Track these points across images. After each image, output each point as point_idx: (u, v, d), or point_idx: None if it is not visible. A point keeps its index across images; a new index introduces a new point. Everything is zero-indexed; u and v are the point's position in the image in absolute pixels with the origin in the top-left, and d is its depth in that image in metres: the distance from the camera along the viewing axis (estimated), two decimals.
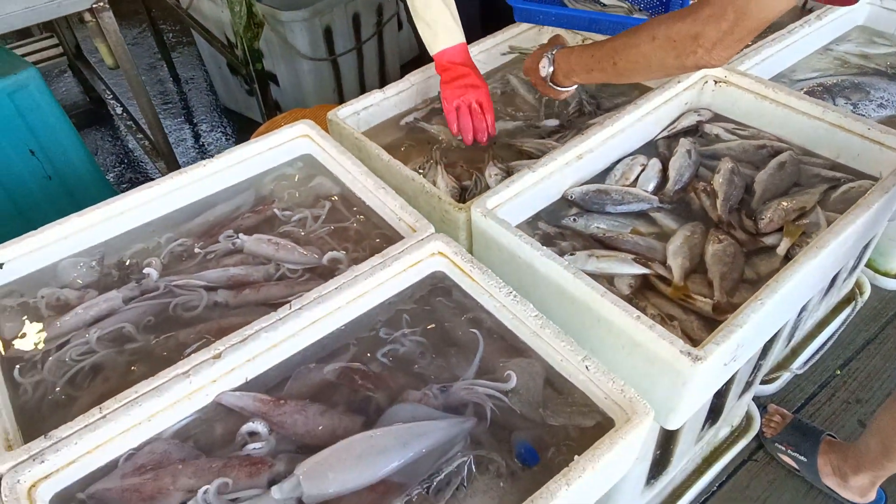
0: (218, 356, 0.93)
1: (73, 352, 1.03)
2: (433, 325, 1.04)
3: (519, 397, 0.92)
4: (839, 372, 2.00)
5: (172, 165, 2.39)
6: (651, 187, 1.27)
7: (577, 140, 1.25)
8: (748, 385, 1.56)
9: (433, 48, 1.42)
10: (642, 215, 1.23)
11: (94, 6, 1.86)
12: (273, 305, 1.07)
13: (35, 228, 1.16)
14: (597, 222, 1.20)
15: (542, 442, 0.88)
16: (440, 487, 0.83)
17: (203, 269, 1.15)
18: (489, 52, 1.64)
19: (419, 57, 1.79)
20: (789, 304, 1.05)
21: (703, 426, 1.47)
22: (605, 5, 1.62)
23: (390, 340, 1.02)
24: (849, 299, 2.18)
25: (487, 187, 1.29)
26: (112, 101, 2.89)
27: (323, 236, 1.21)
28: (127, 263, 1.18)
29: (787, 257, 1.12)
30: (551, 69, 1.27)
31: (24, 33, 3.15)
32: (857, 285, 2.19)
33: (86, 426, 0.86)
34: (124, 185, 2.91)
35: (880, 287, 2.26)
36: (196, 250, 1.19)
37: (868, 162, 1.28)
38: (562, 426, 0.89)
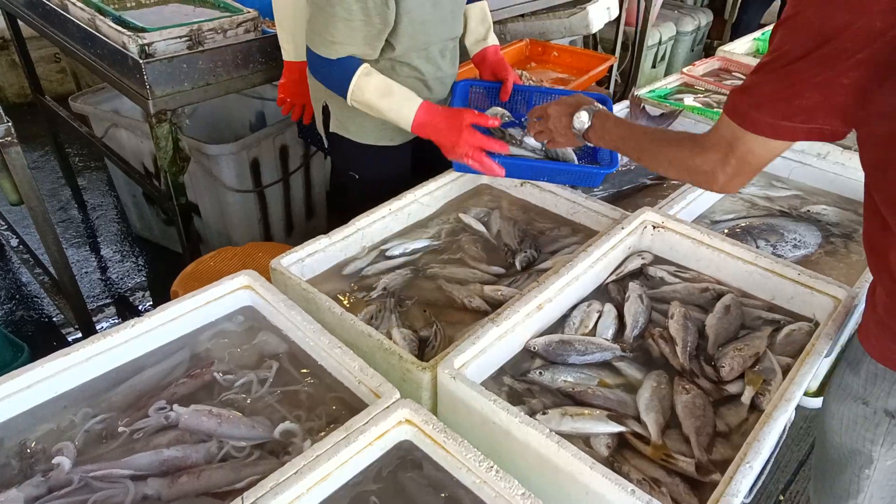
0: None
1: None
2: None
3: None
4: (782, 497, 2.01)
5: (77, 303, 2.17)
6: (610, 334, 1.26)
7: (535, 290, 1.23)
8: None
9: (406, 123, 1.48)
10: (606, 365, 1.21)
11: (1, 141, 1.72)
12: (217, 495, 0.94)
13: None
14: (563, 375, 1.16)
15: None
16: None
17: (129, 452, 0.99)
18: (432, 195, 1.64)
19: (342, 185, 1.80)
20: (765, 456, 1.04)
21: None
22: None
23: None
24: None
25: (447, 338, 1.23)
26: (6, 233, 2.64)
27: (272, 403, 1.09)
28: (31, 450, 1.00)
29: (752, 405, 1.12)
30: (589, 124, 1.33)
31: None
32: None
33: None
34: (13, 325, 2.61)
35: (803, 406, 2.35)
36: (120, 429, 1.03)
37: (801, 304, 1.34)
38: None
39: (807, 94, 0.85)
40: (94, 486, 0.94)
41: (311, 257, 1.40)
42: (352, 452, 0.95)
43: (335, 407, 1.08)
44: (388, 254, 1.50)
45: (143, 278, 2.88)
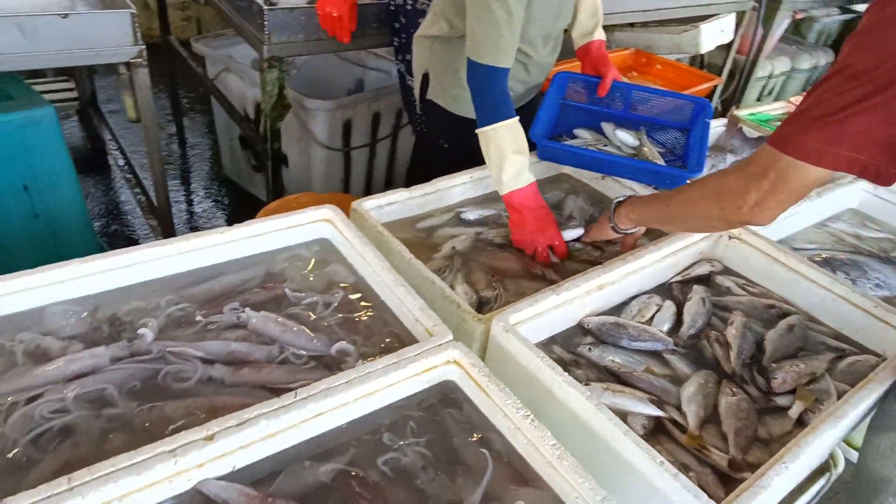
0: (210, 438, 0.85)
1: (45, 408, 0.94)
2: (439, 439, 0.98)
3: None
4: None
5: (166, 224, 2.34)
6: (666, 328, 1.27)
7: (599, 270, 1.25)
8: None
9: (505, 187, 1.42)
10: (656, 355, 1.22)
11: (131, 60, 1.88)
12: (272, 390, 1.01)
13: (12, 264, 1.08)
14: (611, 355, 1.18)
15: None
16: None
17: (202, 339, 1.09)
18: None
19: (426, 166, 1.83)
20: (807, 468, 1.03)
21: None
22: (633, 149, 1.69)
23: (393, 448, 0.96)
24: (822, 470, 2.15)
25: (507, 303, 1.27)
26: (116, 152, 2.87)
27: (332, 325, 1.16)
28: (121, 320, 1.11)
29: (799, 421, 1.11)
30: (621, 199, 1.35)
31: (39, 74, 3.17)
32: (832, 457, 2.17)
33: (49, 496, 0.76)
34: (107, 237, 2.83)
35: (851, 461, 2.25)
36: (197, 318, 1.13)
37: (871, 337, 1.31)
38: None
39: (860, 116, 0.82)
40: (169, 360, 1.04)
41: (390, 206, 1.47)
42: (399, 377, 1.01)
43: (389, 339, 1.14)
44: (462, 217, 1.55)
45: (224, 217, 3.05)
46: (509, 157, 1.41)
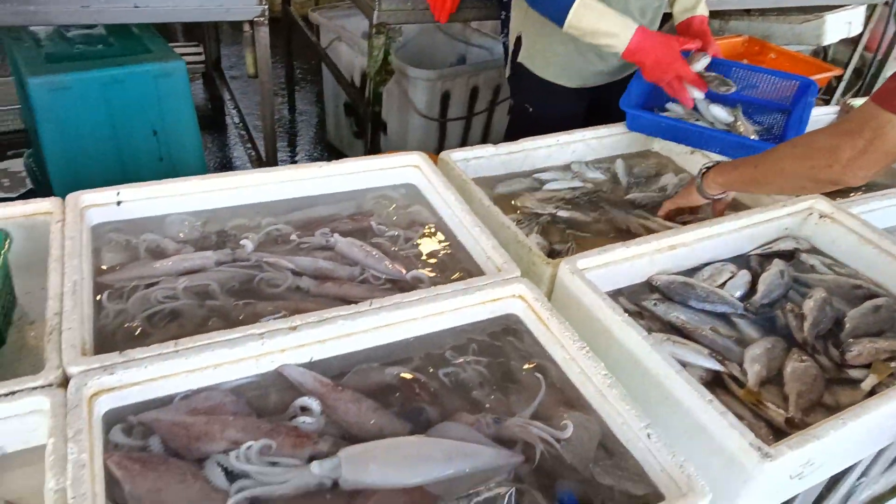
0: (294, 328, 0.96)
1: (159, 293, 1.09)
2: (497, 362, 1.05)
3: (571, 448, 0.90)
4: None
5: None
6: (738, 295, 1.26)
7: (673, 231, 1.27)
8: None
9: (618, 46, 1.52)
10: (723, 318, 1.22)
11: (254, 19, 2.06)
12: (350, 304, 1.11)
13: None
14: (677, 312, 1.19)
15: (584, 497, 0.86)
16: None
17: (293, 255, 1.21)
18: (601, 140, 1.71)
19: (511, 133, 1.89)
20: (868, 438, 1.00)
21: None
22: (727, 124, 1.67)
23: (454, 363, 1.03)
24: None
25: None
26: (234, 111, 3.12)
27: (410, 256, 1.25)
28: (226, 233, 1.25)
29: (871, 393, 1.08)
30: (706, 169, 1.35)
31: (173, 38, 3.50)
32: None
33: (158, 354, 0.89)
34: None
35: None
36: (292, 238, 1.25)
37: None
38: (609, 487, 0.86)
39: None
40: (264, 268, 1.16)
41: (476, 160, 1.54)
42: (466, 303, 1.08)
43: (461, 274, 1.22)
44: (542, 179, 1.59)
45: None
46: (601, 26, 1.49)
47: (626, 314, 1.05)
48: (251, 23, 2.08)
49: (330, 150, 3.45)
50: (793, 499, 1.19)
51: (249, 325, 0.96)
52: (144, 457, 0.83)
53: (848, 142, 0.95)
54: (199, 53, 3.49)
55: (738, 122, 1.64)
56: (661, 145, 1.81)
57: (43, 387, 0.84)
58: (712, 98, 1.74)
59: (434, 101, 2.69)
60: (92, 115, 2.29)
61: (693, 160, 1.73)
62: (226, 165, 3.24)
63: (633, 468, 0.88)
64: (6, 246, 1.05)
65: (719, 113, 1.64)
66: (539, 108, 1.82)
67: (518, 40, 1.79)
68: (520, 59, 1.80)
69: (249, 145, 2.87)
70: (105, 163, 2.41)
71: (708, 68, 1.77)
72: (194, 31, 3.77)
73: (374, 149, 2.54)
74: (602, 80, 1.79)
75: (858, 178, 0.98)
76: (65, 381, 0.85)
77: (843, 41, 3.42)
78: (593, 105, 1.84)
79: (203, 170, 2.64)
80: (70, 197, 1.17)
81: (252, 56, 2.15)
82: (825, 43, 3.19)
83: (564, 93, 1.77)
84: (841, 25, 3.18)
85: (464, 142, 2.96)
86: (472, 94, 2.82)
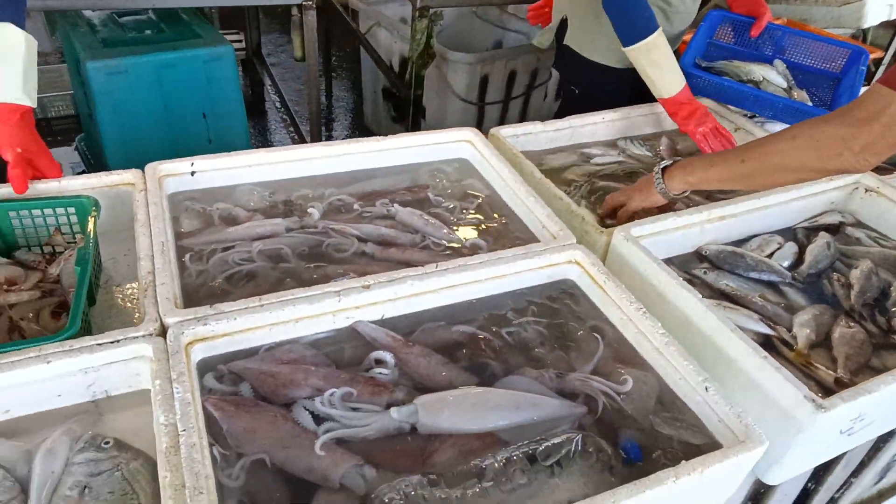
0: (367, 287, 1.02)
1: (236, 256, 1.16)
2: (556, 323, 1.10)
3: (630, 401, 0.95)
4: None
5: None
6: (785, 265, 1.29)
7: (723, 203, 1.30)
8: (832, 502, 1.48)
9: (666, 93, 1.56)
10: (772, 286, 1.25)
11: (303, 2, 2.12)
12: (413, 267, 1.17)
13: None
14: (727, 280, 1.23)
15: (645, 446, 0.91)
16: (546, 453, 0.87)
17: (357, 223, 1.27)
18: (646, 117, 1.74)
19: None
20: None
21: None
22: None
23: (515, 323, 1.08)
24: None
25: None
26: (275, 96, 3.19)
27: (467, 226, 1.31)
28: (292, 202, 1.32)
29: None
30: (669, 163, 1.27)
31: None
32: None
33: (245, 308, 0.96)
34: None
35: None
36: (354, 207, 1.31)
37: None
38: (668, 437, 0.91)
39: None
40: (331, 234, 1.23)
41: (525, 136, 1.58)
42: (525, 267, 1.13)
43: (517, 242, 1.27)
44: (589, 153, 1.63)
45: None
46: (661, 67, 1.53)
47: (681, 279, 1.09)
48: (300, 6, 2.14)
49: (367, 135, 3.50)
50: (839, 458, 1.24)
51: (327, 284, 1.02)
52: (238, 400, 0.90)
53: (863, 130, 0.95)
54: (240, 41, 3.57)
55: (793, 89, 1.67)
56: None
57: (144, 336, 0.91)
58: (764, 60, 1.78)
59: (473, 84, 2.74)
60: (146, 98, 2.38)
61: (738, 137, 1.75)
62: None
63: (690, 420, 0.93)
64: (96, 212, 1.13)
65: (775, 78, 1.67)
66: (586, 88, 1.86)
67: (563, 23, 1.83)
68: (566, 41, 1.84)
69: (292, 129, 2.94)
70: (157, 144, 2.50)
71: (763, 32, 1.81)
72: (230, 20, 3.86)
73: (413, 130, 2.59)
74: None
75: (869, 165, 0.99)
76: (162, 332, 0.93)
77: (883, 24, 3.37)
78: (636, 84, 1.87)
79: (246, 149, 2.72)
80: (149, 167, 1.25)
81: (300, 39, 2.21)
82: (865, 25, 3.15)
83: (610, 73, 1.80)
84: (882, 8, 3.14)
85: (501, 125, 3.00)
86: (509, 79, 2.86)
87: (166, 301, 0.95)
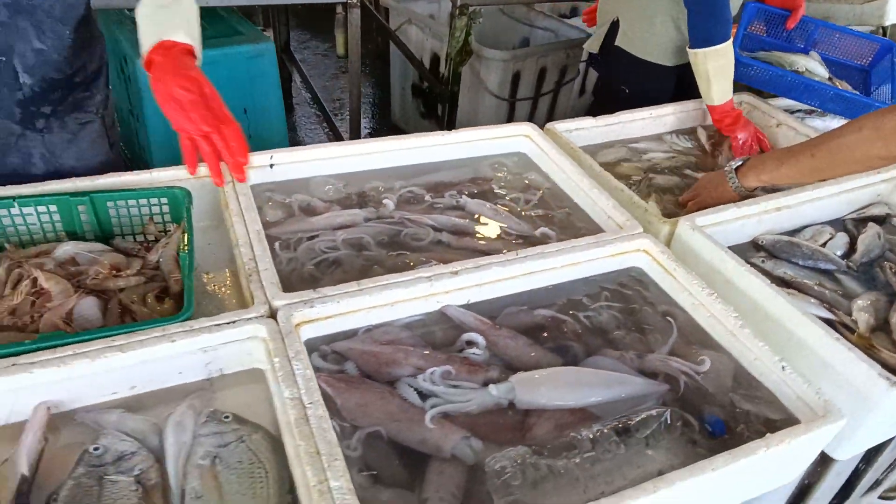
0: (455, 273, 1.08)
1: (322, 244, 1.22)
2: (629, 308, 1.16)
3: (709, 380, 1.01)
4: None
5: None
6: (838, 254, 1.35)
7: (779, 195, 1.36)
8: (876, 484, 1.55)
9: (718, 100, 1.63)
10: (827, 274, 1.31)
11: (349, 1, 2.18)
12: (485, 253, 1.23)
13: None
14: (784, 268, 1.29)
15: (727, 421, 0.97)
16: (638, 427, 0.93)
17: (428, 213, 1.33)
18: (689, 113, 1.80)
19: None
20: None
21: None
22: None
23: (591, 308, 1.14)
24: None
25: None
26: (306, 93, 3.25)
27: (533, 217, 1.37)
28: (366, 194, 1.38)
29: None
30: (740, 163, 1.36)
31: None
32: None
33: (346, 292, 1.02)
34: None
35: None
36: (426, 198, 1.37)
37: None
38: (746, 412, 0.97)
39: None
40: (406, 224, 1.29)
41: (578, 131, 1.64)
42: (597, 255, 1.19)
43: (582, 232, 1.32)
44: (638, 148, 1.69)
45: None
46: (720, 76, 1.59)
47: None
48: (345, 5, 2.20)
49: (395, 132, 3.56)
50: (890, 440, 1.29)
51: (418, 269, 1.08)
52: (347, 377, 0.96)
53: None
54: (268, 38, 3.62)
55: (833, 80, 1.73)
56: (746, 106, 1.89)
57: (256, 318, 0.97)
58: (798, 52, 1.84)
59: (505, 81, 2.79)
60: None
61: (780, 133, 1.81)
62: (297, 145, 3.38)
63: (766, 397, 0.99)
64: (190, 203, 1.19)
65: (817, 68, 1.73)
66: (635, 87, 1.92)
67: (614, 24, 1.88)
68: (617, 42, 1.89)
69: (325, 124, 3.00)
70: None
71: (797, 26, 1.87)
72: (252, 17, 3.91)
73: (450, 127, 2.64)
74: None
75: None
76: (271, 313, 0.99)
77: None
78: (679, 81, 1.93)
79: (285, 145, 2.78)
80: None
81: (343, 37, 2.28)
82: (887, 23, 3.20)
83: (660, 71, 1.86)
84: None
85: (530, 121, 3.05)
86: (539, 75, 2.91)
87: (272, 286, 1.01)
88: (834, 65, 1.93)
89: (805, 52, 1.90)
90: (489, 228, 1.31)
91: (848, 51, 1.94)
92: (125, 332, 0.91)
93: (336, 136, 2.87)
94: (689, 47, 1.61)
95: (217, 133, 1.04)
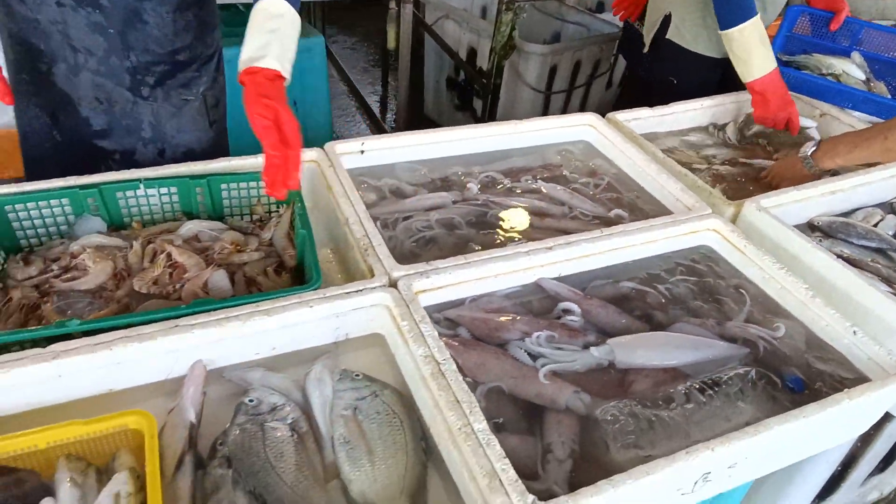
0: (550, 248, 1.19)
1: (417, 224, 1.32)
2: (703, 280, 1.26)
3: (784, 344, 1.12)
4: None
5: None
6: (890, 234, 1.45)
7: (835, 178, 1.46)
8: None
9: (750, 76, 1.70)
10: (881, 252, 1.41)
11: None
12: (566, 232, 1.33)
13: None
14: (840, 247, 1.39)
15: (804, 380, 1.07)
16: (725, 383, 1.03)
17: (509, 196, 1.43)
18: (735, 103, 1.90)
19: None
20: None
21: (875, 469, 1.58)
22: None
23: (669, 281, 1.25)
24: None
25: None
26: (343, 86, 3.34)
27: (604, 200, 1.47)
28: (448, 178, 1.48)
29: None
30: (814, 148, 1.50)
31: None
32: None
33: (455, 265, 1.13)
34: None
35: None
36: (504, 182, 1.48)
37: None
38: (821, 372, 1.08)
39: None
40: (491, 206, 1.39)
41: (635, 121, 1.74)
42: (670, 234, 1.29)
43: (652, 215, 1.43)
44: (687, 140, 1.79)
45: None
46: (755, 51, 1.65)
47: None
48: (398, 0, 2.29)
49: (428, 124, 3.66)
50: None
51: (516, 244, 1.19)
52: (463, 340, 1.07)
53: None
54: (318, 32, 3.72)
55: (871, 81, 1.83)
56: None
57: (380, 287, 1.07)
58: (841, 52, 1.94)
59: (543, 74, 2.89)
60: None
61: (824, 122, 1.91)
62: (336, 137, 3.47)
63: (838, 359, 1.10)
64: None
65: (854, 71, 1.83)
66: (683, 78, 2.01)
67: (666, 19, 1.97)
68: (668, 36, 1.98)
69: (364, 116, 3.09)
70: (248, 132, 2.66)
71: (842, 26, 1.97)
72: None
73: (490, 119, 2.74)
74: None
75: None
76: (391, 283, 1.09)
77: None
78: (724, 73, 2.03)
79: (328, 136, 2.88)
80: (327, 146, 1.41)
81: (395, 31, 2.36)
82: None
83: (709, 63, 1.96)
84: None
85: (565, 113, 3.15)
86: (574, 68, 3.01)
87: (388, 258, 1.12)
88: (878, 62, 2.01)
89: (848, 51, 1.99)
90: (566, 209, 1.41)
91: (893, 48, 2.03)
92: (269, 299, 1.02)
93: (377, 128, 2.96)
94: (720, 30, 1.70)
95: (281, 157, 1.10)
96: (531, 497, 0.78)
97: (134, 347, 0.94)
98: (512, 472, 0.81)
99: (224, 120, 1.57)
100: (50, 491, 0.83)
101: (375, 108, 3.78)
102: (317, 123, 2.78)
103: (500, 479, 0.81)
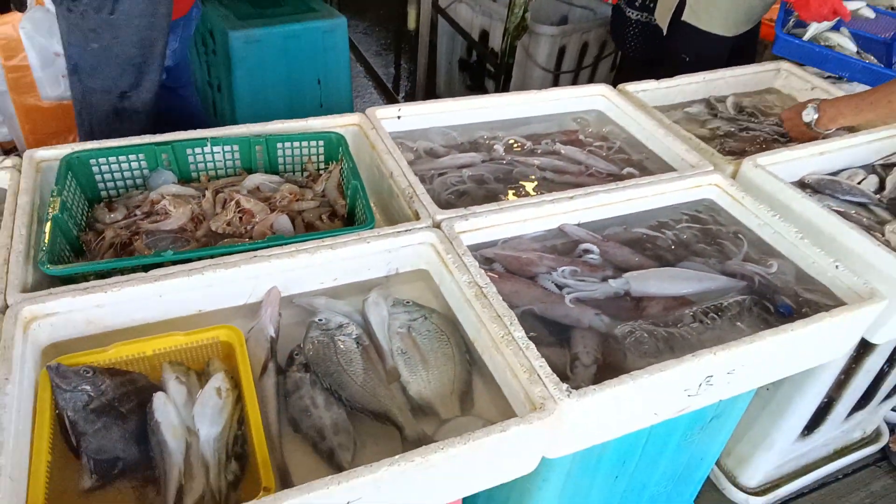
0: (571, 198, 1.35)
1: (451, 179, 1.48)
2: (705, 227, 1.43)
3: (776, 279, 1.29)
4: None
5: None
6: (871, 191, 1.62)
7: (821, 141, 1.62)
8: (894, 390, 1.83)
9: None
10: (862, 206, 1.58)
11: None
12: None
13: None
14: (828, 201, 1.56)
15: (793, 306, 1.24)
16: (726, 308, 1.20)
17: (531, 156, 1.59)
18: (738, 78, 2.06)
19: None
20: None
21: (856, 406, 1.75)
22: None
23: (676, 227, 1.41)
24: None
25: None
26: (359, 66, 3.49)
27: (616, 160, 1.63)
28: (476, 141, 1.64)
29: None
30: (816, 115, 1.65)
31: None
32: None
33: (490, 210, 1.29)
34: None
35: None
36: (527, 145, 1.64)
37: None
38: (808, 301, 1.25)
39: None
40: (516, 165, 1.55)
41: (643, 92, 1.90)
42: (676, 187, 1.46)
43: (660, 173, 1.59)
44: (689, 111, 1.95)
45: None
46: None
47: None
48: None
49: None
50: None
51: (541, 195, 1.35)
52: (498, 271, 1.23)
53: None
54: (340, 14, 3.86)
55: (861, 53, 2.00)
56: (782, 83, 2.15)
57: (426, 227, 1.23)
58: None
59: (552, 55, 3.04)
60: (273, 65, 2.68)
61: (814, 95, 2.07)
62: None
63: (823, 290, 1.26)
64: (345, 145, 1.45)
65: (847, 44, 1.99)
66: (696, 55, 2.18)
67: (681, 2, 2.13)
68: (684, 18, 2.14)
69: (380, 94, 3.24)
70: (276, 106, 2.81)
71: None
72: None
73: None
74: (749, 25, 2.14)
75: None
76: (435, 225, 1.25)
77: None
78: (733, 49, 2.20)
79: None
80: (368, 111, 1.57)
81: (416, 12, 2.51)
82: None
83: (720, 41, 2.12)
84: None
85: None
86: (581, 49, 3.16)
87: (431, 204, 1.28)
88: (860, 38, 2.19)
89: (836, 28, 2.16)
90: (583, 168, 1.58)
91: (874, 26, 2.21)
92: (333, 236, 1.18)
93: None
94: None
95: None
96: (565, 385, 0.95)
97: (221, 273, 1.10)
98: (548, 368, 0.98)
99: None
100: (157, 390, 1.00)
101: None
102: (340, 98, 2.93)
103: (538, 374, 0.97)
